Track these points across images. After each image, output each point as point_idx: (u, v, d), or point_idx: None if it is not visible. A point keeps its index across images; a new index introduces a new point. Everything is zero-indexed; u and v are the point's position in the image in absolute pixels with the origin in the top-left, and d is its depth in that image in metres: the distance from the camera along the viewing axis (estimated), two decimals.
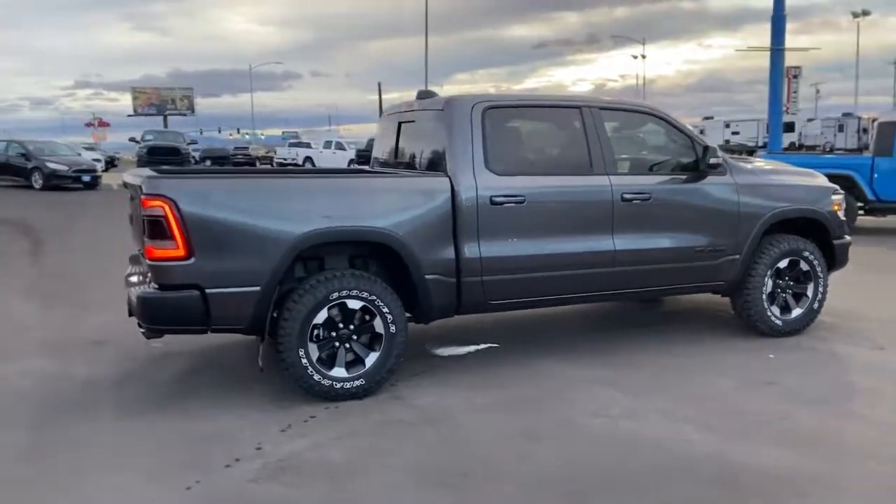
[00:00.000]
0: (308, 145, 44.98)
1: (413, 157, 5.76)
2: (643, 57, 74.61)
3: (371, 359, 4.80)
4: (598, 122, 5.48)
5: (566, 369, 5.33)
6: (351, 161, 35.41)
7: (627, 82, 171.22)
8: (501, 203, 5.07)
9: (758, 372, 5.29)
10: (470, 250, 5.00)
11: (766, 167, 6.51)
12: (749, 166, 6.18)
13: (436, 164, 5.27)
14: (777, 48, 14.88)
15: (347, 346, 4.78)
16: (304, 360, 4.63)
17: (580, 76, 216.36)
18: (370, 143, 35.28)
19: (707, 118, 69.92)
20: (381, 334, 4.80)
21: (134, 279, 5.27)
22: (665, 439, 4.11)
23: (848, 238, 6.39)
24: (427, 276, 4.89)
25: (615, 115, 5.70)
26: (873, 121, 53.07)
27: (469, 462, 3.88)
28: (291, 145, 45.31)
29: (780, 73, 15.08)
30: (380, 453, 4.01)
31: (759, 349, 5.79)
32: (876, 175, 11.65)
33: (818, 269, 6.14)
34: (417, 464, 3.88)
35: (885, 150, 11.75)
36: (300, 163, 41.59)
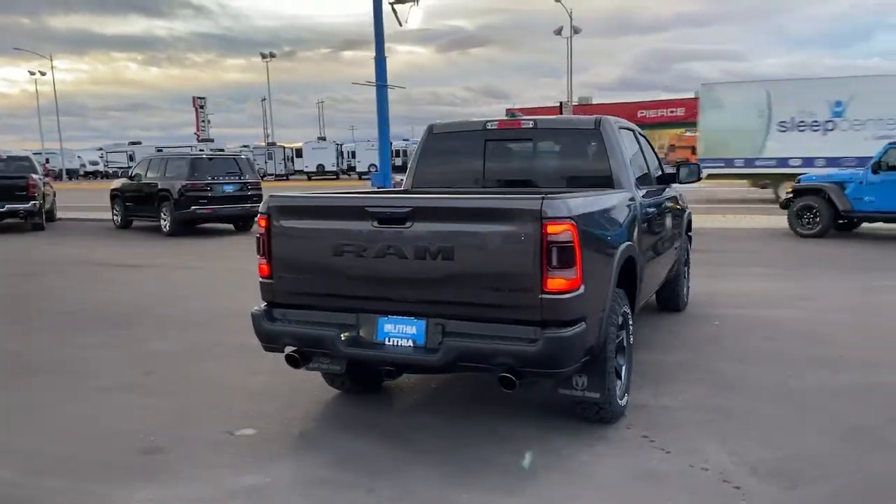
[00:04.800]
0: None
1: (526, 175, 5.67)
2: (42, 74, 69.27)
3: (624, 373, 4.82)
4: (640, 141, 6.37)
5: (660, 357, 6.08)
6: None
7: None
8: (648, 214, 5.58)
9: (752, 330, 6.90)
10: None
11: None
12: None
13: (589, 181, 5.39)
14: (381, 84, 16.76)
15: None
16: (616, 385, 4.47)
17: None
18: None
19: (134, 143, 69.07)
20: (625, 347, 4.85)
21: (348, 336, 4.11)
22: (865, 383, 5.35)
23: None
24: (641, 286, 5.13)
25: (631, 134, 6.51)
26: (293, 149, 61.04)
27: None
28: None
29: (385, 107, 16.91)
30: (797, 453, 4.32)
31: (698, 322, 7.40)
32: None
33: (689, 255, 8.15)
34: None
35: None
36: None
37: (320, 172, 57.87)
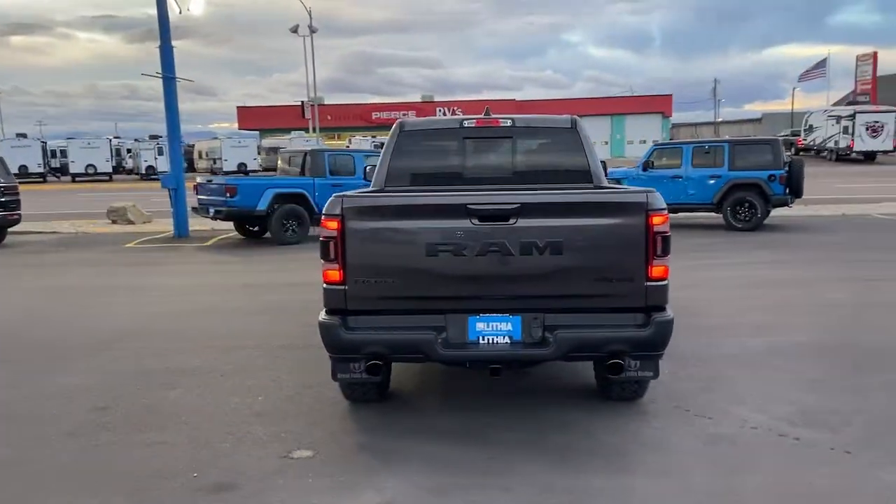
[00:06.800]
0: None
1: (506, 171, 5.74)
2: None
3: None
4: None
5: None
6: None
7: None
8: None
9: None
10: None
11: None
12: None
13: (568, 176, 5.66)
14: (169, 76, 15.30)
15: None
16: None
17: None
18: None
19: None
20: None
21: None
22: (784, 343, 6.34)
23: None
24: None
25: None
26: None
27: None
28: None
29: (174, 101, 15.37)
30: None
31: None
32: (317, 192, 14.23)
33: None
34: None
35: (319, 172, 14.46)
36: None
37: (23, 174, 50.94)
